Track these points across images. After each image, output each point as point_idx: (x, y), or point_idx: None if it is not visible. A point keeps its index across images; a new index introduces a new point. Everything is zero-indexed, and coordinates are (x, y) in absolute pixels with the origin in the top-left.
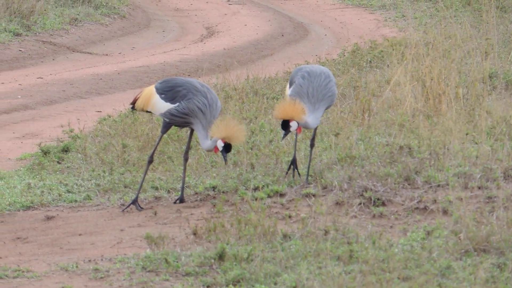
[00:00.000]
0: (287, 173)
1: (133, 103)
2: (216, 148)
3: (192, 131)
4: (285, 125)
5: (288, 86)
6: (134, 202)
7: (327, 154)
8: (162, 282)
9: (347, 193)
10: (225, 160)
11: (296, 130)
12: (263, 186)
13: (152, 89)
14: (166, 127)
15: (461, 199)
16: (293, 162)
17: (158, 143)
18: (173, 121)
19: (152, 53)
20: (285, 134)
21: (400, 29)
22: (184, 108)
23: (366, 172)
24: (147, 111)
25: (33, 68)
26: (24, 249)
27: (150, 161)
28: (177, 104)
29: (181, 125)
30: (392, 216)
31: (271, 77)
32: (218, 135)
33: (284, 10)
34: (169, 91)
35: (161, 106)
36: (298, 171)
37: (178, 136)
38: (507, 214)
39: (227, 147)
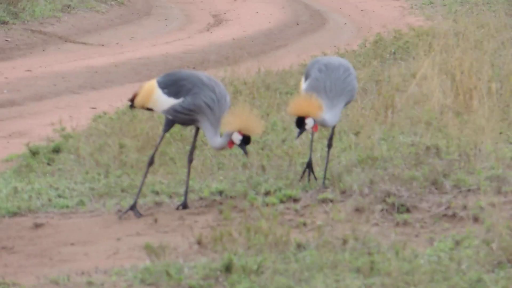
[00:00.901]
0: (302, 176)
1: (132, 99)
2: (230, 143)
3: (197, 129)
4: (300, 122)
5: (303, 80)
6: (133, 207)
7: (346, 155)
8: None
9: (368, 198)
10: (246, 152)
11: (312, 128)
12: (275, 190)
13: (153, 83)
14: (169, 125)
15: (494, 205)
16: (309, 165)
17: (159, 143)
18: (177, 118)
19: (153, 44)
20: (300, 133)
21: (427, 18)
22: (189, 104)
23: (389, 175)
24: (147, 109)
25: (21, 60)
26: (10, 260)
27: (151, 162)
28: (182, 99)
29: (186, 122)
30: (418, 224)
31: (284, 70)
32: (233, 128)
33: None
34: (172, 85)
35: (164, 102)
36: (314, 174)
37: (181, 135)
38: None
39: (246, 140)
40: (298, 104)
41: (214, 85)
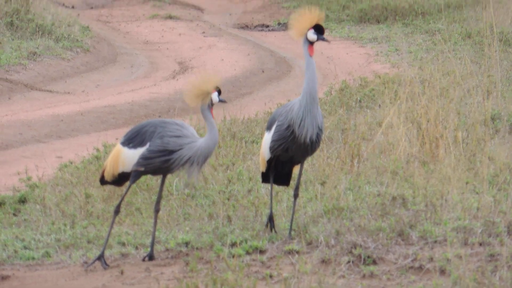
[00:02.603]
0: (266, 226)
1: (102, 177)
2: (211, 110)
3: (163, 179)
4: (320, 29)
5: (265, 134)
6: (100, 258)
7: (312, 206)
8: None
9: (335, 249)
10: (225, 101)
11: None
12: (241, 241)
13: (117, 147)
14: (137, 176)
15: (461, 256)
16: (270, 219)
17: (126, 193)
18: (149, 166)
19: (119, 91)
20: (323, 38)
21: (393, 65)
22: (158, 146)
23: (355, 226)
24: (119, 177)
25: None
26: None
27: (117, 211)
28: (148, 144)
29: (160, 168)
30: (384, 276)
31: (250, 118)
32: (202, 93)
33: (264, 43)
34: (135, 137)
35: (132, 156)
36: (274, 228)
37: (147, 185)
38: (511, 273)
39: (219, 91)
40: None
41: (174, 120)
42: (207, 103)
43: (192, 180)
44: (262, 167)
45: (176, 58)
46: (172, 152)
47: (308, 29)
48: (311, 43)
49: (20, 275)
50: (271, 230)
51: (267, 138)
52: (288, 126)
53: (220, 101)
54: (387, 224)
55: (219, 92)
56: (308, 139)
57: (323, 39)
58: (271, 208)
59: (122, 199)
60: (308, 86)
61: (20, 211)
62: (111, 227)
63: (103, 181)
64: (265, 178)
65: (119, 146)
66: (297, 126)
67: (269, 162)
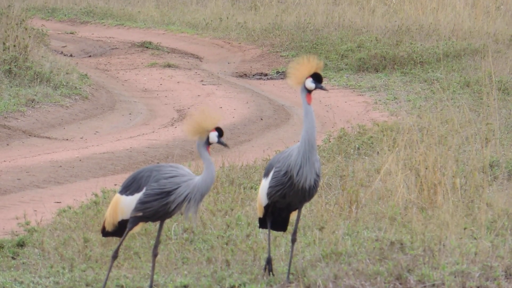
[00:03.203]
0: (264, 270)
1: (103, 228)
2: (208, 148)
3: (162, 223)
4: (318, 77)
5: (262, 181)
6: None
7: (311, 250)
8: None
9: None
10: (226, 144)
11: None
12: (240, 285)
13: (115, 197)
14: (134, 222)
15: None
16: (268, 262)
17: (123, 238)
18: (147, 211)
19: (117, 138)
20: (321, 87)
21: (391, 113)
22: (154, 189)
23: (353, 270)
24: (119, 225)
25: None
26: None
27: (115, 256)
28: (144, 189)
29: (158, 212)
30: None
31: (248, 165)
32: (200, 131)
33: (263, 91)
34: (132, 184)
35: (130, 202)
36: (272, 272)
37: (145, 230)
38: None
39: (219, 132)
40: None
41: (169, 164)
42: (204, 140)
43: (190, 220)
44: (260, 213)
45: (174, 106)
46: (169, 193)
47: (306, 78)
48: (309, 91)
49: None
50: (269, 273)
51: (265, 184)
52: (286, 172)
53: (220, 142)
54: (385, 268)
55: (221, 133)
56: (306, 185)
57: (321, 88)
58: (269, 252)
59: (120, 244)
60: (306, 133)
61: (18, 255)
62: (109, 271)
63: (104, 233)
64: (263, 223)
65: (117, 196)
66: (295, 172)
67: (266, 208)
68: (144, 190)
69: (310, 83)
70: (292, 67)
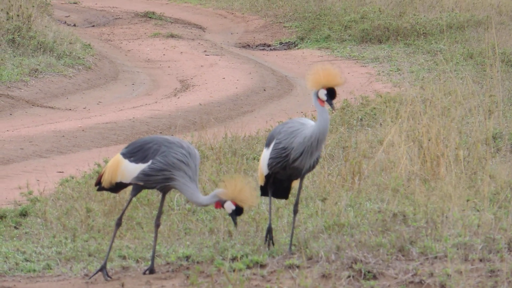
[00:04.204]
0: (265, 240)
1: (98, 182)
2: (218, 204)
3: (164, 194)
4: (332, 94)
5: (264, 150)
6: (102, 269)
7: (313, 222)
8: None
9: (335, 264)
10: (235, 223)
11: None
12: (242, 256)
13: (117, 157)
14: (137, 190)
15: (461, 272)
16: (269, 231)
17: (127, 206)
18: (148, 183)
19: (120, 108)
20: (331, 103)
21: (394, 84)
22: (160, 164)
23: (356, 242)
24: (116, 185)
25: None
26: None
27: (118, 224)
28: (150, 161)
29: (158, 185)
30: None
31: (251, 136)
32: (227, 196)
33: (266, 62)
34: (138, 152)
35: (133, 169)
36: (272, 241)
37: (148, 200)
38: None
39: (238, 210)
40: (333, 73)
41: (179, 141)
42: (316, 92)
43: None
44: (261, 182)
45: (177, 76)
46: (171, 171)
47: (322, 87)
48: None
49: (21, 286)
50: (269, 243)
51: (266, 154)
52: (285, 148)
53: (328, 102)
54: (387, 240)
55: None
56: (302, 166)
57: (331, 104)
58: (270, 221)
59: (124, 212)
60: (319, 130)
61: (21, 225)
62: (113, 239)
63: (99, 187)
64: (264, 191)
65: (119, 157)
66: (292, 156)
67: (267, 177)
68: (149, 163)
69: (323, 95)
70: (315, 71)
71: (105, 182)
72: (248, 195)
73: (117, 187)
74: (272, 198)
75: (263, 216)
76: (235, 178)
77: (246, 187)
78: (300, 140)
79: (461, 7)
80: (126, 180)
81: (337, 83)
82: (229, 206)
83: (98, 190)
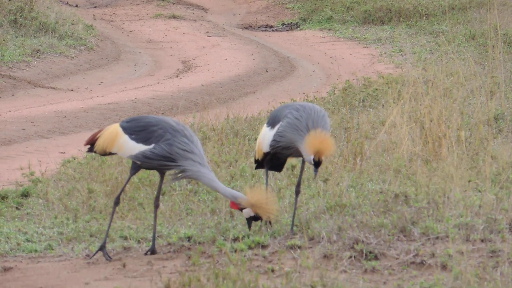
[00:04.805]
0: (261, 221)
1: (91, 143)
2: (233, 204)
3: (163, 176)
4: (317, 164)
5: (265, 127)
6: (102, 248)
7: (315, 202)
8: None
9: (336, 245)
10: (250, 227)
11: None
12: (244, 236)
13: (117, 128)
14: (136, 168)
15: (462, 252)
16: None
17: (125, 185)
18: (146, 164)
19: (122, 89)
20: (317, 172)
21: (396, 65)
22: (163, 151)
23: (357, 222)
24: (110, 153)
25: None
26: None
27: (117, 203)
28: (153, 145)
29: (154, 168)
30: (386, 271)
31: (253, 116)
32: (248, 203)
33: (268, 43)
34: (141, 131)
35: (132, 147)
36: (270, 221)
37: (150, 181)
38: None
39: (257, 218)
40: (329, 145)
41: (183, 129)
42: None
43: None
44: (258, 156)
45: (179, 57)
46: (173, 160)
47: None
48: None
49: (23, 266)
50: (266, 223)
51: (269, 134)
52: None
53: (314, 167)
54: (389, 220)
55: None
56: None
57: (314, 172)
58: None
59: (122, 191)
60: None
61: (22, 205)
62: (111, 217)
63: (90, 149)
64: (259, 165)
65: (119, 129)
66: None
67: (266, 154)
68: (151, 146)
69: (310, 160)
70: (312, 138)
71: (98, 148)
72: (270, 209)
73: (110, 154)
74: (268, 177)
75: None
76: (260, 189)
77: (270, 201)
78: (301, 140)
79: None
80: (123, 154)
81: (326, 154)
82: (248, 213)
83: (88, 151)
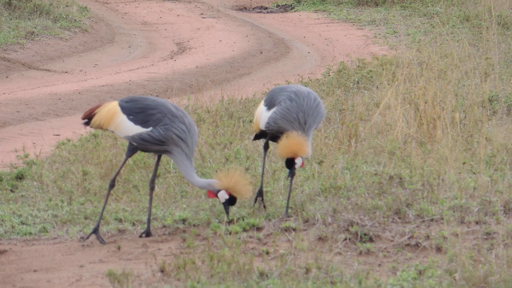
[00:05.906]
0: (254, 203)
1: (88, 117)
2: (211, 193)
3: (159, 157)
4: (290, 163)
5: (263, 106)
6: (95, 231)
7: (309, 184)
8: None
9: (331, 227)
10: (227, 212)
11: (300, 165)
12: (238, 219)
13: (115, 107)
14: (132, 151)
15: (457, 235)
16: (260, 193)
17: (121, 167)
18: (142, 146)
19: (116, 71)
20: (291, 173)
21: (391, 47)
22: (160, 135)
23: (352, 205)
24: (106, 130)
25: None
26: None
27: (112, 185)
28: (150, 128)
29: (150, 150)
30: (381, 253)
31: (248, 98)
32: (221, 185)
33: (263, 24)
34: (139, 113)
35: (129, 128)
36: (264, 204)
37: (145, 163)
38: (507, 252)
39: (232, 200)
40: (288, 145)
41: (182, 115)
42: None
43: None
44: (255, 130)
45: (174, 39)
46: (168, 145)
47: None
48: None
49: (17, 249)
50: (260, 204)
51: (265, 115)
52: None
53: (224, 204)
54: (384, 202)
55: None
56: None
57: (290, 174)
58: (261, 183)
59: (117, 173)
60: None
61: (17, 188)
62: (106, 200)
63: (87, 123)
64: (258, 137)
65: (117, 108)
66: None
67: (263, 130)
68: (149, 130)
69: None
70: (284, 140)
71: (94, 124)
72: (243, 187)
73: (107, 131)
74: (265, 162)
75: (260, 179)
76: (231, 169)
77: (242, 178)
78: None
79: None
80: (119, 134)
81: (298, 155)
82: (223, 196)
83: (85, 124)
